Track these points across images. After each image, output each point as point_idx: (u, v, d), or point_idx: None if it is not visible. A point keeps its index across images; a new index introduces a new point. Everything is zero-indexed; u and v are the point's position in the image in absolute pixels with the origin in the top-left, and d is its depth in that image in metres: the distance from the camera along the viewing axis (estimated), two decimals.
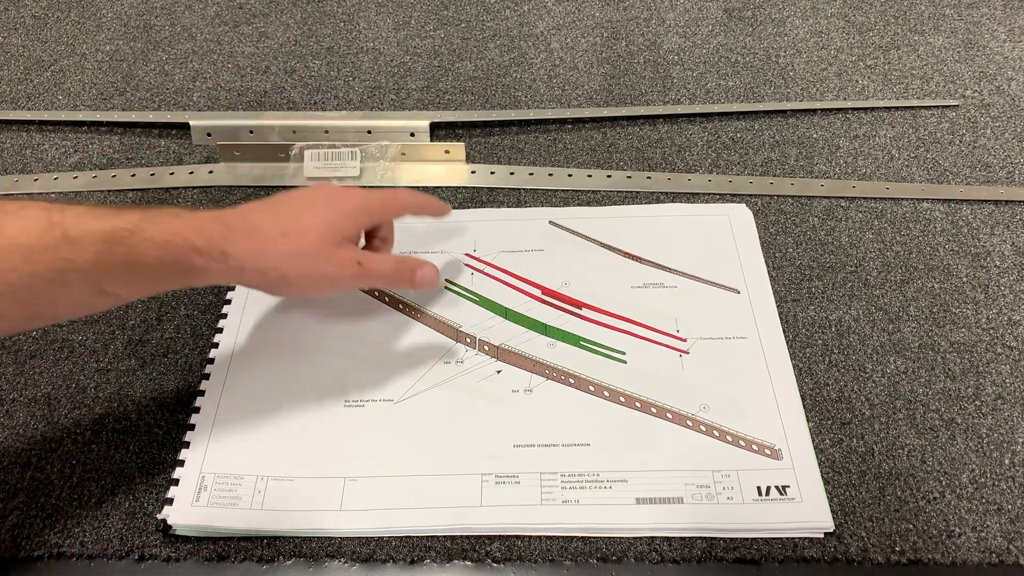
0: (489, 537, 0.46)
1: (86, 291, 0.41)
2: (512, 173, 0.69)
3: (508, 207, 0.66)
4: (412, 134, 0.71)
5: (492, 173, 0.69)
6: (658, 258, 0.60)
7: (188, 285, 0.45)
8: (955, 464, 0.49)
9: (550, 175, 0.68)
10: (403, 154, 0.69)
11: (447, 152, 0.69)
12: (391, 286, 0.51)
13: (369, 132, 0.70)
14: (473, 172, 0.69)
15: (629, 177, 0.68)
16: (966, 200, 0.65)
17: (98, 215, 0.41)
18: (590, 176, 0.68)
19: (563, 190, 0.67)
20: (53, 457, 0.50)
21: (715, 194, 0.66)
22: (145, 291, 0.45)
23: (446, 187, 0.68)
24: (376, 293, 0.58)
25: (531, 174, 0.68)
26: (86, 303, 0.42)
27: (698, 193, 0.66)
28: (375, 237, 0.55)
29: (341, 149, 0.69)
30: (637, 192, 0.67)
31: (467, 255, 0.61)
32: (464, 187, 0.68)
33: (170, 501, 0.47)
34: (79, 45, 0.84)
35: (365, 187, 0.54)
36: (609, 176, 0.68)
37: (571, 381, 0.53)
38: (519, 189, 0.67)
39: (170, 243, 0.42)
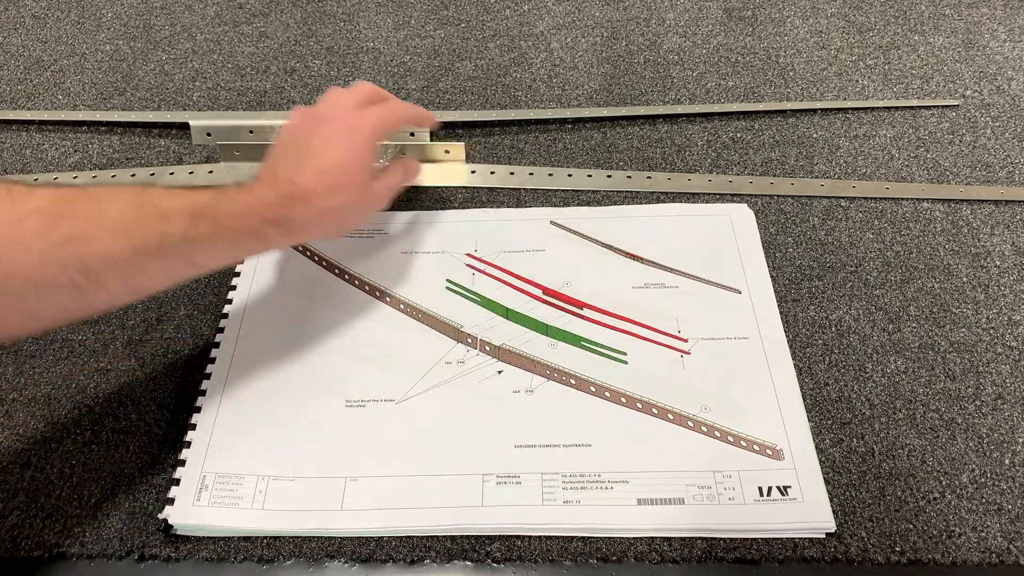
0: (490, 537, 0.46)
1: (179, 263, 0.45)
2: (512, 173, 0.69)
3: (508, 207, 0.66)
4: (412, 134, 0.70)
5: (492, 173, 0.69)
6: (659, 258, 0.60)
7: (261, 251, 0.52)
8: (955, 464, 0.49)
9: (550, 175, 0.68)
10: (403, 154, 0.69)
11: (447, 152, 0.69)
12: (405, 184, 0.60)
13: None
14: (473, 172, 0.69)
15: (629, 177, 0.68)
16: (966, 200, 0.65)
17: (177, 193, 0.45)
18: (590, 176, 0.68)
19: (563, 190, 0.67)
20: (53, 457, 0.50)
21: (715, 194, 0.66)
22: (228, 260, 0.49)
23: (446, 187, 0.68)
24: (377, 293, 0.59)
25: (531, 174, 0.68)
26: (177, 274, 0.46)
27: (698, 193, 0.66)
28: None
29: None
30: (637, 192, 0.67)
31: (468, 255, 0.61)
32: (464, 187, 0.68)
33: (171, 501, 0.47)
34: (79, 45, 0.84)
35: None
36: (609, 176, 0.68)
37: (572, 382, 0.53)
38: (519, 189, 0.67)
39: (245, 215, 0.47)
